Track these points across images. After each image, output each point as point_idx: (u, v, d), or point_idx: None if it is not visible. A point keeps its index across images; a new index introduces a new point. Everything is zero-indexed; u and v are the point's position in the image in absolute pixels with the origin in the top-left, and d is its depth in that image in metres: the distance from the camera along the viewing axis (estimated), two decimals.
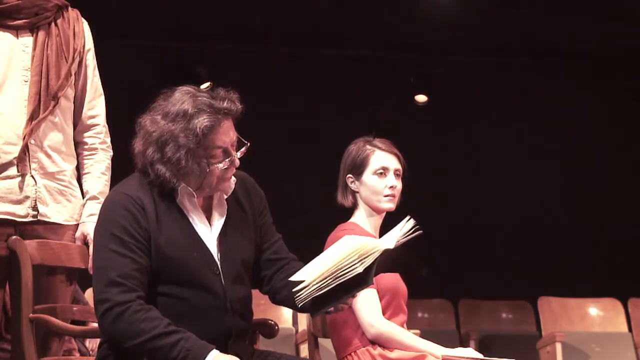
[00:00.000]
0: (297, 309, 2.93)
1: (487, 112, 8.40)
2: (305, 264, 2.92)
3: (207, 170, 2.86)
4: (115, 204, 2.86)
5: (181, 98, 2.86)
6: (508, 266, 8.15)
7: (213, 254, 2.92)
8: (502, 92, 8.44)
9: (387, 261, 2.84)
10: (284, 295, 2.99)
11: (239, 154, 2.91)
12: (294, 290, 2.79)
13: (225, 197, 2.97)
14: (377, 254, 2.77)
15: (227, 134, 2.86)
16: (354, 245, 2.78)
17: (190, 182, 2.88)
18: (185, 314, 2.84)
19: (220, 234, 2.95)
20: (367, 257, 2.76)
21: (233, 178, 2.95)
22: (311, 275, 2.78)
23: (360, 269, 2.75)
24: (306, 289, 2.77)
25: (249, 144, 2.92)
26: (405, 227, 2.85)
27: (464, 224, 8.26)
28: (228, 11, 7.60)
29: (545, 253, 8.27)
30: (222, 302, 2.89)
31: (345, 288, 2.78)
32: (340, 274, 2.75)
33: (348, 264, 2.75)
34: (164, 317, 2.76)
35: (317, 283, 2.76)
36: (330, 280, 2.76)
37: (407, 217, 2.88)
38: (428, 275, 7.61)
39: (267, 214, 3.09)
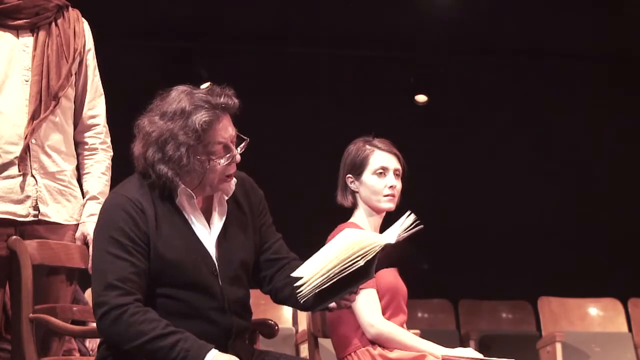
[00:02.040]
0: (299, 307, 2.93)
1: (487, 112, 8.40)
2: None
3: (208, 166, 2.86)
4: (115, 207, 2.86)
5: (178, 97, 2.86)
6: (508, 266, 8.14)
7: (212, 255, 2.92)
8: (502, 92, 8.44)
9: (388, 257, 2.85)
10: (286, 294, 2.99)
11: (239, 150, 2.91)
12: (295, 285, 2.79)
13: (226, 197, 2.97)
14: (378, 249, 2.78)
15: (226, 130, 2.87)
16: (355, 239, 2.78)
17: (193, 180, 2.88)
18: (184, 315, 2.84)
19: (219, 235, 2.94)
20: (368, 251, 2.77)
21: (234, 180, 2.95)
22: (313, 270, 2.78)
23: (361, 263, 2.76)
24: (307, 283, 2.77)
25: (248, 140, 2.92)
26: (405, 222, 2.85)
27: (464, 224, 8.26)
28: (228, 11, 7.60)
29: (545, 253, 8.27)
30: (220, 303, 2.89)
31: (346, 282, 2.78)
32: (342, 268, 2.76)
33: (350, 259, 2.76)
34: (162, 319, 2.76)
35: (318, 278, 2.76)
36: (332, 275, 2.76)
37: (408, 212, 2.88)
38: (429, 269, 7.60)
39: (266, 214, 3.09)
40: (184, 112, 2.82)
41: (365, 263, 2.76)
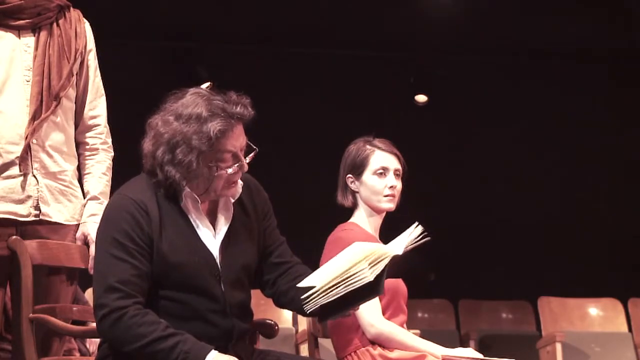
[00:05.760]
0: (301, 313, 2.92)
1: (487, 112, 8.41)
2: (307, 265, 2.92)
3: (216, 174, 2.85)
4: (119, 208, 2.86)
5: (195, 100, 2.85)
6: (508, 266, 8.15)
7: (215, 258, 2.91)
8: (502, 92, 8.44)
9: (394, 267, 2.84)
10: (289, 299, 2.99)
11: (247, 159, 2.91)
12: (302, 297, 2.79)
13: (232, 200, 2.96)
14: (386, 261, 2.77)
15: (238, 139, 2.86)
16: (363, 252, 2.77)
17: (199, 185, 2.88)
18: (185, 318, 2.84)
19: (224, 238, 2.94)
20: (376, 264, 2.76)
21: (240, 182, 2.94)
22: (320, 281, 2.77)
23: (370, 277, 2.75)
24: (314, 295, 2.77)
25: (257, 150, 2.92)
26: (413, 233, 2.84)
27: (463, 224, 8.26)
28: (228, 11, 7.61)
29: (545, 253, 8.27)
30: (221, 306, 2.89)
31: (354, 296, 2.77)
32: (350, 281, 2.75)
33: (357, 271, 2.75)
34: (161, 321, 2.76)
35: (325, 290, 2.76)
36: (340, 288, 2.75)
37: (415, 223, 2.87)
38: (435, 279, 7.62)
39: (271, 216, 3.08)
40: (199, 118, 2.81)
41: (374, 277, 2.75)
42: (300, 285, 2.82)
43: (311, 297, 2.77)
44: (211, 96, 2.86)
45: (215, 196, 2.93)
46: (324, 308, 2.79)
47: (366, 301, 2.84)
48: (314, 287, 2.77)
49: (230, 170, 2.86)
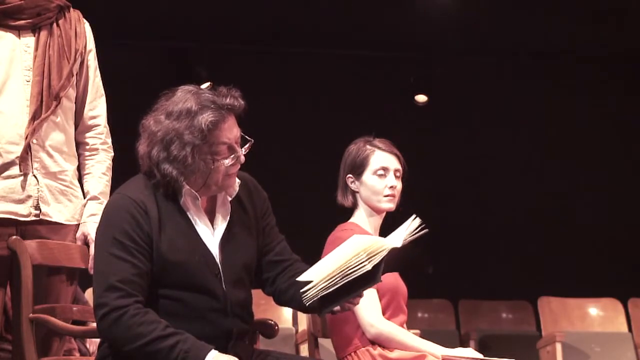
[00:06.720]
0: (303, 310, 2.93)
1: (487, 112, 8.41)
2: (308, 264, 2.92)
3: (212, 167, 2.86)
4: (119, 208, 2.86)
5: (184, 97, 2.86)
6: (508, 266, 8.15)
7: (215, 257, 2.91)
8: (502, 92, 8.44)
9: (393, 260, 2.85)
10: (289, 296, 2.99)
11: (243, 150, 2.91)
12: (302, 290, 2.79)
13: (230, 198, 2.97)
14: (384, 252, 2.78)
15: (231, 130, 2.87)
16: (362, 244, 2.78)
17: (197, 180, 2.88)
18: (186, 316, 2.84)
19: (222, 236, 2.94)
20: (375, 255, 2.77)
21: (237, 180, 2.95)
22: (319, 274, 2.78)
23: (368, 267, 2.76)
24: (314, 287, 2.77)
25: (252, 141, 2.92)
26: (411, 225, 2.85)
27: (464, 224, 8.27)
28: (227, 11, 7.60)
29: (545, 253, 8.27)
30: (222, 305, 2.89)
31: (352, 286, 2.78)
32: (349, 272, 2.76)
33: (356, 263, 2.76)
34: (161, 320, 2.76)
35: (325, 282, 2.77)
36: (339, 279, 2.76)
37: (413, 216, 2.88)
38: (433, 273, 7.61)
39: (270, 215, 3.08)
40: (190, 112, 2.82)
41: (372, 267, 2.76)
42: (299, 278, 2.83)
43: (310, 290, 2.78)
44: (200, 91, 2.88)
45: (217, 190, 2.92)
46: (323, 300, 2.80)
47: (364, 289, 2.84)
48: (313, 279, 2.78)
49: (227, 162, 2.87)
